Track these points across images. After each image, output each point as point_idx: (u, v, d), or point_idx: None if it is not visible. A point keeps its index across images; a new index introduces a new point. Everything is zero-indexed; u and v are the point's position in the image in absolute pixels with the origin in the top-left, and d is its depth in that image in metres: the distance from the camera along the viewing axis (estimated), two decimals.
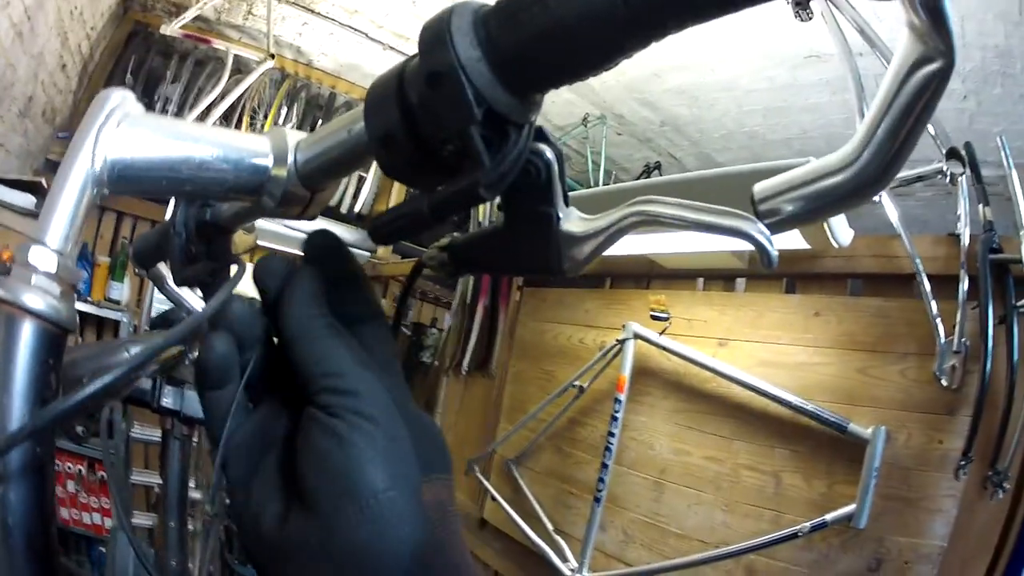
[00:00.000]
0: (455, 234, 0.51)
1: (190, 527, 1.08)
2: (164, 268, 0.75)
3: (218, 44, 4.21)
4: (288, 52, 4.68)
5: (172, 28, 3.90)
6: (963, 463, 1.76)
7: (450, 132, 0.36)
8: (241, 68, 4.32)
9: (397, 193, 4.95)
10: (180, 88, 4.39)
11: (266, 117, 4.59)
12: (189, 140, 0.45)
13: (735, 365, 2.29)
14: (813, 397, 2.08)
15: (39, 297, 0.39)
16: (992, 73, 3.36)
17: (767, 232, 0.36)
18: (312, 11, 4.21)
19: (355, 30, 4.31)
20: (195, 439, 1.08)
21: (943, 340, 1.85)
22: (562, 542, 2.65)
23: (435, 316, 5.20)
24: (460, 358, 3.53)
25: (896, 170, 0.35)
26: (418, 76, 0.37)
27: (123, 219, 4.39)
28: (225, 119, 4.32)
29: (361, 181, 4.92)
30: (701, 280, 2.71)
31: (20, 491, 0.39)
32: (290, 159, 0.47)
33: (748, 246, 0.37)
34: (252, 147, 0.47)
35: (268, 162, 0.47)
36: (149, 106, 4.12)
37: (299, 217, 0.51)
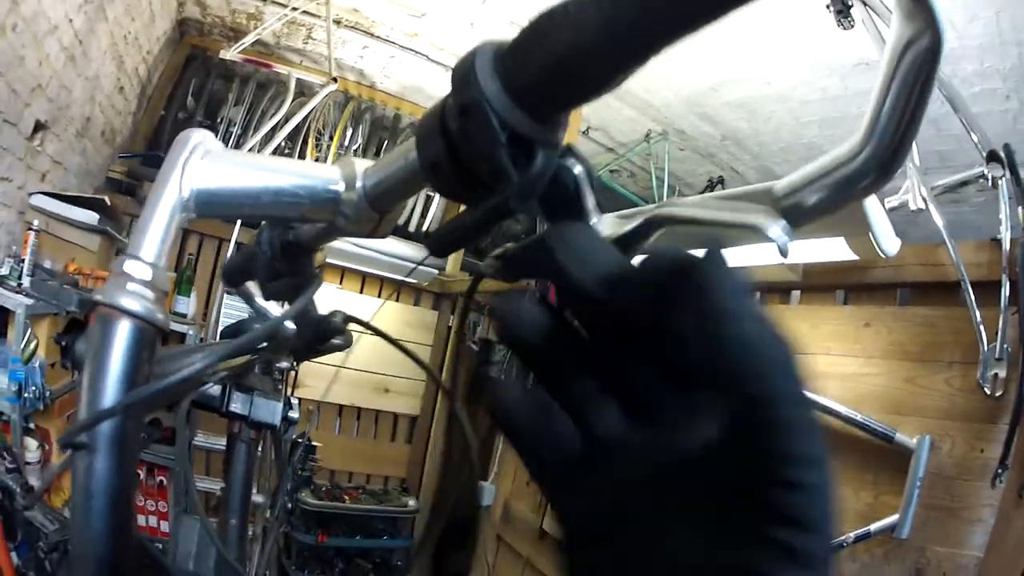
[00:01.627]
0: (509, 244, 0.52)
1: (250, 531, 1.14)
2: (252, 286, 0.85)
3: (279, 68, 4.24)
4: (350, 75, 4.72)
5: (232, 53, 3.94)
6: (1000, 471, 1.75)
7: (483, 155, 0.41)
8: (304, 91, 4.36)
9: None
10: (244, 110, 4.47)
11: (331, 139, 4.64)
12: (267, 171, 0.52)
13: None
14: (862, 407, 2.09)
15: (135, 300, 0.45)
16: None
17: (782, 222, 0.40)
18: (372, 35, 4.26)
19: (416, 52, 4.35)
20: (259, 447, 1.14)
21: (986, 348, 1.84)
22: None
23: None
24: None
25: (904, 152, 0.37)
26: (453, 110, 0.42)
27: (189, 236, 4.46)
28: (290, 141, 4.39)
29: (429, 200, 4.97)
30: (758, 293, 2.72)
31: (106, 461, 0.44)
32: (359, 184, 0.54)
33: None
34: (324, 175, 0.54)
35: (340, 188, 0.54)
36: (212, 127, 4.21)
37: (371, 235, 0.58)
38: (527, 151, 0.41)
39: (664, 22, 0.33)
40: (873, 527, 1.95)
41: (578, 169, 0.45)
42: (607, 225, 0.48)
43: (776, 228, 0.40)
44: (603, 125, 4.95)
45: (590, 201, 0.46)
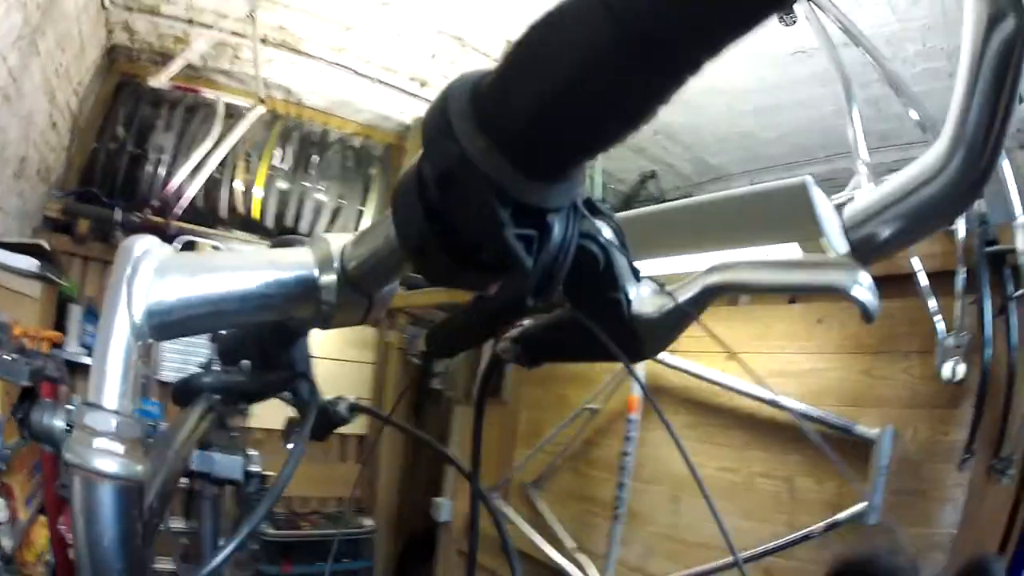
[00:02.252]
0: (525, 323, 0.48)
1: None
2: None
3: (207, 92, 4.18)
4: (278, 92, 4.65)
5: (160, 80, 3.90)
6: (966, 456, 1.79)
7: (481, 238, 0.32)
8: (232, 112, 4.29)
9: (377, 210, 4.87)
10: (174, 137, 4.36)
11: (260, 159, 4.57)
12: (226, 271, 0.44)
13: (745, 377, 2.32)
14: (822, 402, 2.11)
15: (109, 461, 0.41)
16: None
17: (865, 277, 0.33)
18: (298, 51, 4.20)
19: (343, 67, 4.30)
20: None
21: (943, 336, 1.87)
22: (585, 560, 2.66)
23: None
24: (471, 386, 3.52)
25: (997, 159, 0.30)
26: (432, 177, 0.33)
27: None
28: (220, 165, 4.29)
29: (360, 215, 4.87)
30: None
31: None
32: (336, 265, 0.46)
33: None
34: (296, 260, 0.47)
35: (315, 272, 0.46)
36: (143, 156, 4.14)
37: (364, 321, 0.50)
38: (539, 224, 0.32)
39: (711, 16, 0.24)
40: (841, 515, 1.96)
41: (607, 233, 0.36)
42: (648, 294, 0.39)
43: (861, 289, 0.33)
44: None
45: (625, 272, 0.38)
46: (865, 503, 1.92)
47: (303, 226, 4.63)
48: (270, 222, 4.58)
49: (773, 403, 2.17)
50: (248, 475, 1.04)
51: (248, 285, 0.45)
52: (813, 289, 0.34)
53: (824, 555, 2.03)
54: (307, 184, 4.63)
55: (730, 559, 2.19)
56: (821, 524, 1.99)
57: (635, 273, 0.39)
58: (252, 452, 1.08)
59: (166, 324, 0.43)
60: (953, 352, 1.86)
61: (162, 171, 4.21)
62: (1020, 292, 1.79)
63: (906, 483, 1.91)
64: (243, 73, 4.48)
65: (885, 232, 0.34)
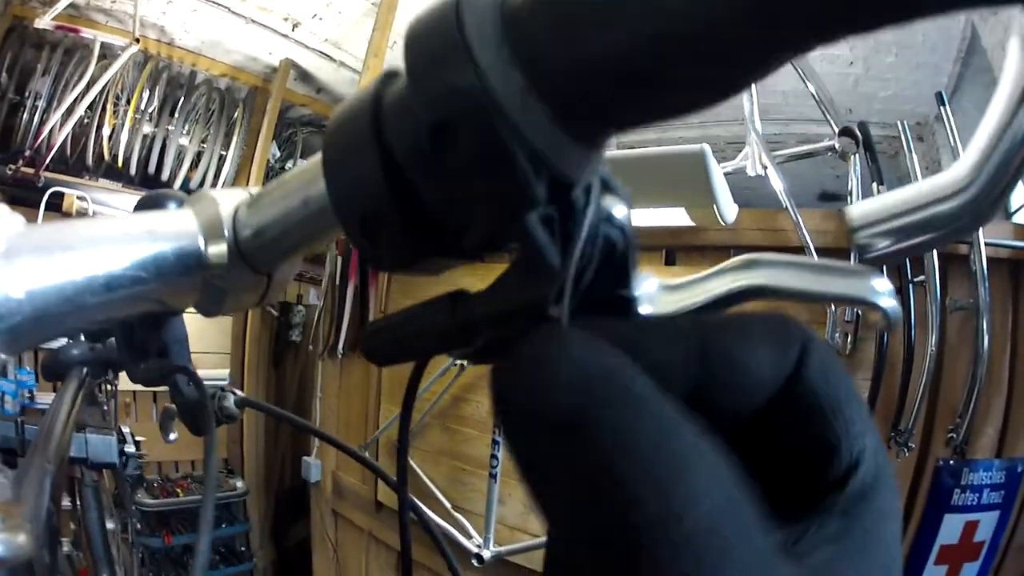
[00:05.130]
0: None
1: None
2: None
3: (86, 32, 3.96)
4: (152, 32, 4.41)
5: (45, 20, 3.67)
6: None
7: (492, 222, 0.23)
8: (107, 54, 4.08)
9: (258, 171, 4.72)
10: (49, 81, 4.10)
11: (128, 103, 4.33)
12: (86, 247, 0.32)
13: None
14: None
15: None
16: (885, 43, 3.32)
17: (890, 288, 0.29)
18: None
19: (217, 4, 4.11)
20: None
21: (833, 309, 1.91)
22: (463, 519, 2.68)
23: (300, 292, 5.02)
24: (335, 341, 3.44)
25: (1012, 189, 0.29)
26: (412, 123, 0.23)
27: None
28: (90, 109, 4.07)
29: (222, 160, 4.69)
30: None
31: None
32: (226, 233, 0.35)
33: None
34: (173, 228, 0.35)
35: (199, 243, 0.35)
36: (21, 104, 3.95)
37: (258, 305, 0.40)
38: (563, 201, 0.22)
39: None
40: None
41: (622, 215, 0.25)
42: (655, 291, 0.30)
43: (888, 300, 0.29)
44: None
45: (636, 261, 0.26)
46: None
47: (165, 173, 4.41)
48: (133, 169, 4.35)
49: None
50: (123, 456, 0.98)
51: (114, 266, 0.32)
52: (846, 300, 0.29)
53: None
54: (170, 128, 4.40)
55: None
56: None
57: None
58: (125, 429, 1.01)
59: (15, 332, 0.30)
60: (843, 326, 1.93)
61: (37, 119, 3.98)
62: (918, 278, 1.86)
63: None
64: (122, 12, 4.21)
65: (891, 239, 0.32)
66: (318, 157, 0.28)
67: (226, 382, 0.69)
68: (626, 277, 0.26)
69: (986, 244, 1.82)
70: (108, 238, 0.33)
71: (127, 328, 0.50)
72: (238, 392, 0.69)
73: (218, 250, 0.35)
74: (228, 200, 0.36)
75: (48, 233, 0.32)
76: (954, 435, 1.88)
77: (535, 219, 0.22)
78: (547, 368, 0.19)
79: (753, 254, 0.32)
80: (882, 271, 0.31)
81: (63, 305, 0.30)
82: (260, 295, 0.39)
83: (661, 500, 0.16)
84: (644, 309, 0.27)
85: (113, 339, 0.69)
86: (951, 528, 1.89)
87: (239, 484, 4.60)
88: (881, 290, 0.29)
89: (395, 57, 3.47)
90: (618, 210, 0.25)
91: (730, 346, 0.21)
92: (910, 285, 1.87)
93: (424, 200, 0.24)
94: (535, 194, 0.21)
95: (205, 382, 0.55)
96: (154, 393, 4.52)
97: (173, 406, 0.61)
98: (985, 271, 1.81)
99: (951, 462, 1.89)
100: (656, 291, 0.29)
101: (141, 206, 0.44)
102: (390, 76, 0.26)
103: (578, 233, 0.23)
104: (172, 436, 0.77)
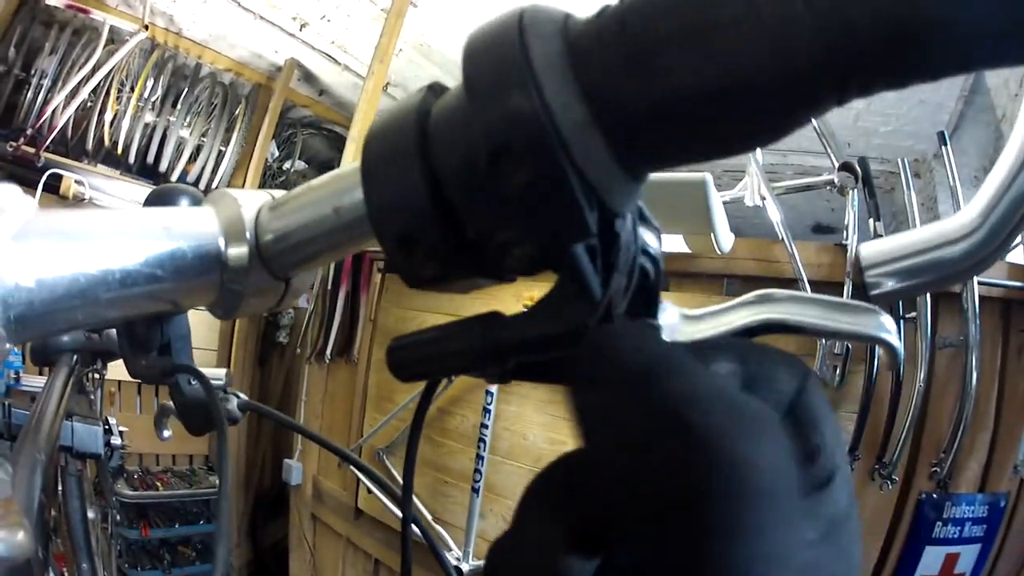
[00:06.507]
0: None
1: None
2: None
3: (96, 14, 3.91)
4: (161, 20, 4.38)
5: None
6: (850, 460, 1.86)
7: (539, 247, 0.23)
8: (114, 39, 4.04)
9: (255, 169, 4.71)
10: (56, 61, 4.04)
11: (132, 91, 4.28)
12: (102, 239, 0.30)
13: None
14: None
15: None
16: None
17: (894, 329, 0.30)
18: None
19: None
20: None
21: (824, 343, 1.91)
22: (443, 531, 2.66)
23: None
24: (323, 345, 3.43)
25: (1017, 235, 0.30)
26: (465, 143, 0.23)
27: None
28: (93, 93, 4.04)
29: (220, 156, 4.65)
30: None
31: None
32: (248, 235, 0.34)
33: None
34: (192, 227, 0.34)
35: (219, 244, 0.34)
36: (26, 81, 3.90)
37: (275, 309, 0.40)
38: (608, 233, 0.23)
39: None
40: None
41: (656, 245, 0.28)
42: (676, 321, 0.33)
43: (895, 337, 0.30)
44: (404, 82, 4.61)
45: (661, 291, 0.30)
46: None
47: (164, 164, 4.38)
48: (132, 157, 4.32)
49: None
50: (108, 447, 0.97)
51: (130, 261, 0.30)
52: (855, 337, 0.31)
53: None
54: (172, 119, 4.38)
55: None
56: None
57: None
58: (111, 419, 1.00)
59: (25, 321, 0.27)
60: (833, 358, 1.92)
61: (41, 98, 3.93)
62: (910, 315, 1.85)
63: None
64: None
65: (898, 278, 0.33)
66: (352, 167, 0.29)
67: (224, 382, 0.66)
68: (654, 306, 0.29)
69: (979, 283, 1.82)
70: (125, 231, 0.31)
71: (129, 321, 0.48)
72: (241, 395, 0.68)
73: (238, 252, 0.34)
74: (250, 201, 0.35)
75: (62, 220, 0.30)
76: (938, 469, 1.89)
77: (581, 249, 0.23)
78: (618, 342, 0.22)
79: (767, 290, 0.34)
80: (890, 310, 0.31)
81: (75, 298, 0.29)
82: (276, 301, 0.38)
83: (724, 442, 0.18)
84: (667, 336, 0.27)
85: (109, 330, 0.67)
86: (931, 559, 1.90)
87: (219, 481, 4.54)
88: (890, 328, 0.30)
89: (400, 64, 3.45)
90: (652, 241, 0.27)
91: (762, 362, 0.24)
92: (900, 321, 1.86)
93: (466, 221, 0.24)
94: (588, 227, 0.22)
95: None
96: (138, 384, 4.51)
97: (170, 404, 0.60)
98: (977, 309, 1.81)
99: (934, 495, 1.90)
100: (678, 321, 0.32)
101: (153, 200, 0.44)
102: (435, 90, 0.26)
103: (620, 265, 0.24)
104: (166, 434, 0.75)
